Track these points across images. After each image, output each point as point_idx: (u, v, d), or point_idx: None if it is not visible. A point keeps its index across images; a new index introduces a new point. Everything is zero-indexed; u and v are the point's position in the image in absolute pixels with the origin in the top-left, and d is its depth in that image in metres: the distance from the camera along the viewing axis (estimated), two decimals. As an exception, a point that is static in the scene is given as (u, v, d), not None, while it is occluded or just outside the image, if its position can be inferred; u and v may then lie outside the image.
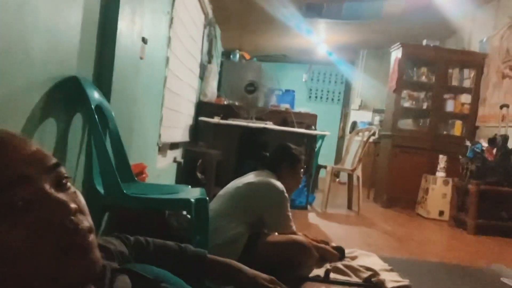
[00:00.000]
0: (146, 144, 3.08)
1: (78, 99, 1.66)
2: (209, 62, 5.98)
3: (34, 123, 1.42)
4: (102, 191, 1.73)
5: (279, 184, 2.35)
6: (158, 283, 0.80)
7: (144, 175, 2.53)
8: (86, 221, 0.63)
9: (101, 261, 0.65)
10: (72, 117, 1.74)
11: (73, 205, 0.61)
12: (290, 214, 2.34)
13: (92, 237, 0.63)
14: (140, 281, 0.78)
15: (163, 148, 3.71)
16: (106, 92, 1.94)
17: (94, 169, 1.77)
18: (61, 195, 0.61)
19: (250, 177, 2.44)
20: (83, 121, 1.83)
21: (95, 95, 1.76)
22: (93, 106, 1.67)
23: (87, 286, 0.66)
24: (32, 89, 1.39)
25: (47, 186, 0.60)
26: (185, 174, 4.37)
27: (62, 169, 0.65)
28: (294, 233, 2.33)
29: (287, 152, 2.55)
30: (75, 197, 0.65)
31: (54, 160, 0.64)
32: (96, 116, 1.67)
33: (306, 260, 2.38)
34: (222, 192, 2.41)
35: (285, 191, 2.34)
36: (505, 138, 4.26)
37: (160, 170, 3.55)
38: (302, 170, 2.59)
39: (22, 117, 1.34)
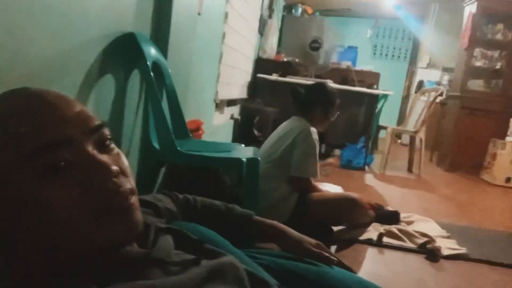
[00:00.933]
0: (203, 101, 3.11)
1: (135, 55, 1.68)
2: (270, 17, 5.85)
3: (92, 80, 1.46)
4: (157, 147, 1.77)
5: (310, 128, 2.31)
6: (201, 243, 0.81)
7: (200, 132, 2.57)
8: (129, 183, 0.64)
9: (143, 221, 0.67)
10: (130, 73, 1.77)
11: (115, 167, 0.61)
12: (314, 161, 2.29)
13: (134, 199, 0.64)
14: (184, 240, 0.80)
15: (220, 105, 3.74)
16: (163, 48, 1.95)
17: (150, 125, 1.81)
18: (104, 157, 0.62)
19: (282, 129, 2.42)
20: (140, 78, 1.86)
21: (152, 52, 1.78)
22: (149, 63, 1.69)
23: (131, 245, 0.68)
24: (89, 46, 1.42)
25: (89, 148, 0.61)
26: (242, 131, 4.41)
27: (106, 130, 0.65)
28: (311, 183, 2.32)
29: (323, 93, 2.48)
30: (118, 159, 0.66)
31: (97, 121, 0.65)
32: (151, 73, 1.68)
33: (358, 217, 2.36)
34: (262, 150, 2.40)
35: (314, 135, 2.29)
36: None
37: (217, 126, 3.59)
38: (334, 114, 2.52)
39: (80, 75, 1.38)
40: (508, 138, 4.74)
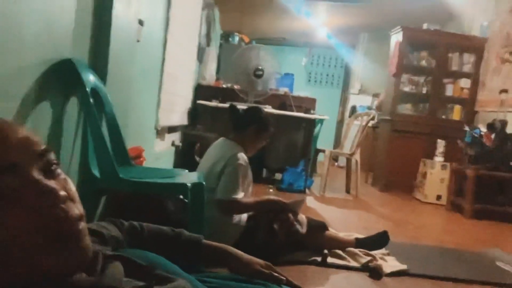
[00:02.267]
0: (144, 128, 3.07)
1: (73, 82, 1.64)
2: (208, 45, 5.92)
3: (28, 106, 1.40)
4: (98, 175, 1.72)
5: (238, 153, 2.30)
6: (152, 269, 0.79)
7: (141, 159, 2.53)
8: (76, 208, 0.62)
9: (92, 248, 0.65)
10: (67, 100, 1.72)
11: (62, 193, 0.60)
12: (240, 183, 2.25)
13: (82, 224, 0.62)
14: (133, 267, 0.78)
15: (161, 132, 3.70)
16: (102, 75, 1.92)
17: (90, 152, 1.76)
18: (51, 182, 0.60)
19: (214, 154, 2.40)
20: (78, 105, 1.81)
21: (91, 78, 1.74)
22: (88, 89, 1.65)
23: (79, 273, 0.65)
24: (26, 73, 1.37)
25: (35, 173, 0.59)
26: (183, 158, 4.37)
27: (52, 155, 0.63)
28: (237, 201, 2.23)
29: (258, 116, 2.51)
30: (65, 184, 0.64)
31: (43, 146, 0.63)
32: (91, 99, 1.65)
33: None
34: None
35: (242, 160, 2.28)
36: (503, 123, 4.25)
37: (158, 153, 3.55)
38: (265, 139, 2.54)
39: (16, 101, 1.33)
40: (436, 158, 5.05)
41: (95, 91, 1.77)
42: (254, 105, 3.99)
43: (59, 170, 0.64)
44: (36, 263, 0.56)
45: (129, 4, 2.14)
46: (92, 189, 1.73)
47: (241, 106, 3.94)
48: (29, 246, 0.55)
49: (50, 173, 0.62)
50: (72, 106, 1.76)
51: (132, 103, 2.50)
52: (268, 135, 2.55)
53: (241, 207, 2.27)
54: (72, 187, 0.65)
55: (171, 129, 4.17)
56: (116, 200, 2.03)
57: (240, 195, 2.24)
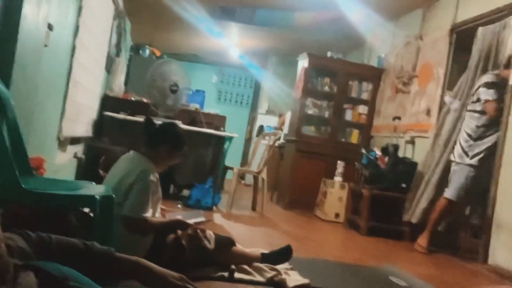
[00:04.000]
0: (46, 137, 2.90)
1: (-27, 84, 1.52)
2: (117, 55, 5.77)
3: None
4: (-4, 184, 1.59)
5: (149, 168, 2.28)
6: (67, 282, 0.77)
7: (41, 170, 2.38)
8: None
9: (6, 257, 0.62)
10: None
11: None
12: (149, 201, 2.22)
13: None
14: (47, 278, 0.75)
15: (63, 143, 3.51)
16: (6, 78, 1.80)
17: (-13, 160, 1.63)
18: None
19: (123, 168, 2.33)
20: (-23, 109, 1.68)
21: (-7, 81, 1.63)
22: (-10, 93, 1.54)
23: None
24: None
25: None
26: (86, 171, 4.17)
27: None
28: (145, 220, 2.17)
29: (173, 133, 2.48)
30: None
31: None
32: (-7, 104, 1.54)
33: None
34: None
35: (152, 176, 2.25)
36: (396, 147, 4.66)
37: (59, 165, 3.36)
38: (177, 158, 2.51)
39: None
40: (336, 178, 5.36)
41: (-3, 95, 1.66)
42: (171, 121, 3.95)
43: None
44: None
45: (39, 6, 2.04)
46: (-12, 200, 1.60)
47: (156, 121, 3.90)
48: None
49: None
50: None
51: (35, 110, 2.36)
52: (181, 153, 2.51)
53: (148, 227, 2.20)
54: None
55: (74, 140, 3.98)
56: (12, 213, 1.89)
57: (149, 213, 2.19)
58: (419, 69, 5.04)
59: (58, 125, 3.20)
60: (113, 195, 1.79)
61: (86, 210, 2.02)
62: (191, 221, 2.42)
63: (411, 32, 5.28)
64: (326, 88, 6.03)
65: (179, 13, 5.84)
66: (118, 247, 1.75)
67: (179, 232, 2.30)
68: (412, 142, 4.90)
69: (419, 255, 3.71)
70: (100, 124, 4.92)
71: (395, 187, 4.53)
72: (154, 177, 2.26)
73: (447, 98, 4.45)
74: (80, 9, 3.16)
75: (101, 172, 4.15)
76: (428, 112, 4.65)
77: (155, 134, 2.44)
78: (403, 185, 4.52)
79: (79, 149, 4.23)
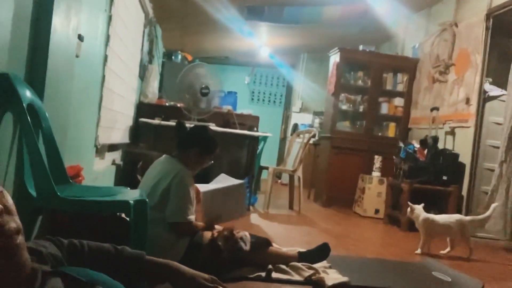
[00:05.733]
0: (83, 146, 2.97)
1: (9, 97, 1.58)
2: (150, 62, 5.87)
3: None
4: (34, 193, 1.65)
5: (184, 171, 2.31)
6: (93, 286, 0.77)
7: (80, 178, 2.44)
8: (13, 222, 0.61)
9: (30, 264, 0.63)
10: (2, 116, 1.64)
11: (-1, 205, 0.58)
12: (190, 204, 2.27)
13: (20, 238, 0.61)
14: (74, 283, 0.76)
15: (101, 150, 3.60)
16: (39, 90, 1.85)
17: (25, 170, 1.68)
18: (-15, 195, 0.58)
19: (157, 172, 2.38)
20: (14, 121, 1.74)
21: (27, 94, 1.68)
22: (24, 105, 1.59)
23: (18, 287, 0.63)
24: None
25: (-31, 186, 0.57)
26: (124, 177, 4.26)
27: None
28: (190, 223, 2.26)
29: (203, 137, 2.51)
30: (2, 197, 0.62)
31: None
32: (28, 115, 1.59)
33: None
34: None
35: (188, 178, 2.29)
36: (435, 139, 4.52)
37: (98, 172, 3.44)
38: (209, 161, 2.54)
39: None
40: (374, 173, 5.25)
41: (31, 107, 1.71)
42: (201, 124, 3.99)
43: (-5, 184, 0.62)
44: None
45: (68, 18, 2.10)
46: (28, 208, 1.65)
47: (188, 124, 3.96)
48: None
49: (-15, 186, 0.60)
50: (7, 122, 1.69)
51: (70, 120, 2.43)
52: (212, 157, 2.54)
53: (195, 229, 2.29)
54: (9, 200, 0.63)
55: (112, 147, 4.07)
56: (53, 221, 1.95)
57: (193, 216, 2.27)
58: (455, 57, 4.86)
59: (95, 133, 3.28)
60: (147, 200, 1.81)
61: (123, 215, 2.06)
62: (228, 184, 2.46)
63: (445, 19, 5.11)
64: (360, 82, 5.93)
65: (208, 16, 5.88)
66: (155, 250, 1.79)
67: (215, 233, 2.32)
68: (452, 133, 4.74)
69: (463, 249, 3.57)
70: (136, 130, 5.02)
71: (436, 180, 4.40)
72: (190, 179, 2.29)
73: (487, 86, 4.29)
74: (110, 19, 3.23)
75: (139, 177, 4.23)
76: (467, 101, 4.48)
77: (185, 138, 2.48)
78: (445, 178, 4.38)
79: (117, 155, 4.33)
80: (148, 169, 2.51)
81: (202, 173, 2.61)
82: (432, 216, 3.42)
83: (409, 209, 3.50)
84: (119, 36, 3.65)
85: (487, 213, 3.37)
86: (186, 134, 2.51)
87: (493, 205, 3.43)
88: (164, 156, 2.48)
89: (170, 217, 2.23)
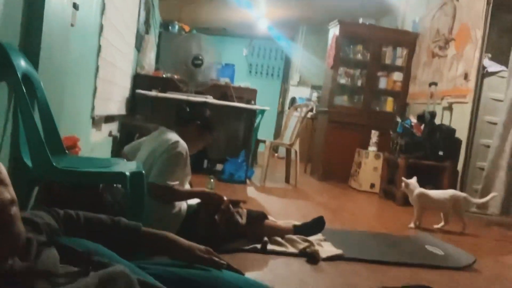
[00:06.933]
0: (79, 117, 2.95)
1: (3, 67, 1.55)
2: (147, 32, 5.78)
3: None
4: (30, 164, 1.64)
5: (179, 141, 2.27)
6: (89, 256, 0.78)
7: (76, 149, 2.43)
8: (8, 192, 0.60)
9: (24, 234, 0.63)
10: (-4, 86, 1.63)
11: (-8, 176, 0.57)
12: (176, 171, 2.21)
13: (14, 209, 0.61)
14: (69, 253, 0.76)
15: (98, 122, 3.58)
16: (34, 60, 1.82)
17: (21, 141, 1.67)
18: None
19: (152, 142, 2.36)
20: (8, 90, 1.71)
21: (22, 63, 1.66)
22: (19, 75, 1.57)
23: (12, 258, 0.63)
24: None
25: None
26: (121, 149, 4.25)
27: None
28: (170, 188, 2.16)
29: (203, 114, 2.51)
30: (-5, 168, 0.61)
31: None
32: (22, 85, 1.57)
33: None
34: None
35: (182, 149, 2.24)
36: (432, 114, 4.51)
37: (94, 144, 3.43)
38: (207, 141, 2.56)
39: None
40: (370, 148, 5.27)
41: (26, 77, 1.68)
42: (202, 100, 3.97)
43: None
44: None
45: (62, -13, 2.05)
46: (24, 179, 1.65)
47: (184, 97, 3.94)
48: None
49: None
50: (2, 92, 1.67)
51: (66, 91, 2.40)
52: (210, 137, 2.55)
53: (174, 195, 2.20)
54: (3, 170, 0.62)
55: (108, 119, 4.05)
56: (49, 191, 1.95)
57: (174, 183, 2.18)
58: (456, 31, 4.81)
59: (91, 104, 3.25)
60: (143, 171, 1.81)
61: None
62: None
63: (447, -7, 5.03)
64: (359, 56, 5.87)
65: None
66: (150, 222, 1.80)
67: (212, 207, 2.32)
68: (449, 108, 4.73)
69: (456, 223, 3.62)
70: (133, 102, 4.99)
71: (432, 156, 4.41)
72: (184, 150, 2.26)
73: (486, 61, 4.25)
74: (105, -13, 3.16)
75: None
76: (466, 77, 4.46)
77: (186, 113, 2.48)
78: (441, 153, 4.39)
79: (113, 127, 4.32)
80: (145, 140, 2.50)
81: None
82: (426, 191, 3.45)
83: (403, 184, 3.52)
84: (115, 5, 3.58)
85: (485, 199, 3.43)
86: (186, 111, 2.51)
87: (492, 194, 3.49)
88: (162, 127, 2.46)
89: (150, 178, 2.12)
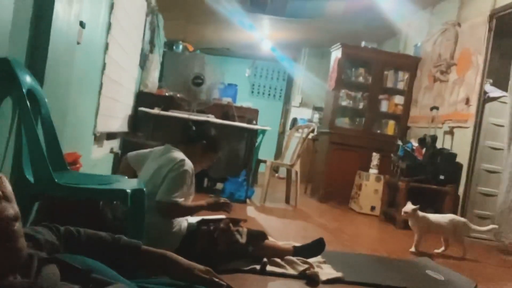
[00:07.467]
0: (81, 133, 2.97)
1: (9, 82, 1.57)
2: (151, 51, 5.85)
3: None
4: (31, 179, 1.64)
5: (185, 160, 2.30)
6: (88, 273, 0.78)
7: (78, 165, 2.44)
8: (12, 208, 0.61)
9: (26, 250, 0.63)
10: (1, 100, 1.64)
11: (-3, 191, 0.58)
12: (183, 188, 2.23)
13: (17, 225, 0.61)
14: (70, 270, 0.76)
15: (100, 138, 3.59)
16: (39, 76, 1.84)
17: (23, 156, 1.68)
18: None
19: (157, 160, 2.36)
20: (13, 105, 1.73)
21: (27, 79, 1.67)
22: (24, 90, 1.59)
23: (13, 275, 0.63)
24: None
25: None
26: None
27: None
28: (178, 204, 2.19)
29: (208, 134, 2.54)
30: (0, 184, 0.62)
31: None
32: (27, 101, 1.58)
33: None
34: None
35: (188, 167, 2.27)
36: (433, 138, 4.52)
37: (96, 160, 3.44)
38: (212, 161, 2.58)
39: None
40: (371, 170, 5.26)
41: (31, 93, 1.70)
42: (202, 118, 4.00)
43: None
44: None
45: (70, 5, 2.08)
46: (25, 194, 1.64)
47: (186, 115, 3.96)
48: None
49: (-17, 172, 0.60)
50: (6, 107, 1.68)
51: (69, 107, 2.42)
52: (215, 156, 2.58)
53: (182, 210, 2.24)
54: (8, 186, 0.63)
55: (110, 136, 4.07)
56: (50, 207, 1.95)
57: (180, 200, 2.21)
58: (457, 57, 4.85)
59: (94, 121, 3.27)
60: (144, 188, 1.81)
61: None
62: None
63: (448, 19, 5.10)
64: (361, 79, 5.91)
65: (211, 7, 5.85)
66: (151, 239, 1.79)
67: (212, 225, 2.33)
68: (450, 132, 4.74)
69: (457, 248, 3.59)
70: (135, 120, 5.02)
71: (433, 179, 4.40)
72: (190, 168, 2.28)
73: (487, 87, 4.28)
74: (112, 6, 3.21)
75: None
76: (467, 102, 4.48)
77: (192, 132, 2.49)
78: (442, 177, 4.39)
79: (115, 144, 4.33)
80: (149, 157, 2.50)
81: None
82: (426, 215, 3.44)
83: (403, 212, 3.49)
84: (121, 24, 3.63)
85: (485, 229, 3.43)
86: (192, 130, 2.53)
87: (491, 226, 3.48)
88: (167, 145, 2.47)
89: (158, 196, 2.17)
